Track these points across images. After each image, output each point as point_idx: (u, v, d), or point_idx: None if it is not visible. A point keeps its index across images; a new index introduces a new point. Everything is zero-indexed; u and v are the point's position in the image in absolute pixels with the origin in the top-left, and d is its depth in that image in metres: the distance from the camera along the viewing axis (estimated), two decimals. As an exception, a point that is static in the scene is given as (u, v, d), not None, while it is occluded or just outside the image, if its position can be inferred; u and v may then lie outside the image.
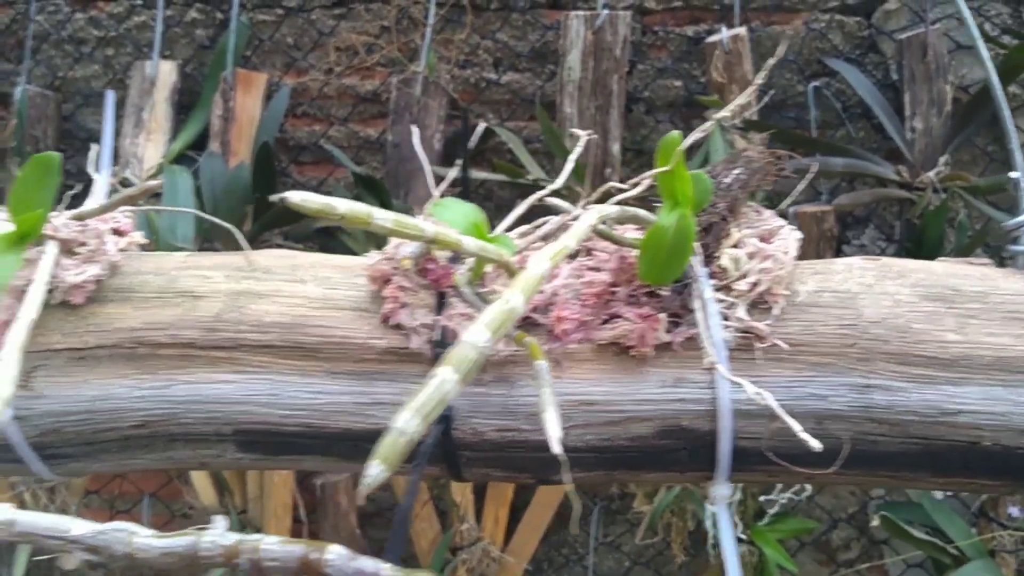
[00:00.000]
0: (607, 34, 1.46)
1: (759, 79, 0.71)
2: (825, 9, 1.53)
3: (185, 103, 1.59)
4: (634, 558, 1.63)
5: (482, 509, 1.60)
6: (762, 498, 1.49)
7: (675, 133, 0.46)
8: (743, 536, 1.50)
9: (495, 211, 1.57)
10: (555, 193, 0.55)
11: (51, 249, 0.49)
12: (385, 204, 1.48)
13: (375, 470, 0.33)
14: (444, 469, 0.52)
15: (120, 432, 0.51)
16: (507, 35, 1.56)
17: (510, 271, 0.41)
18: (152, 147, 1.56)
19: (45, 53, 1.64)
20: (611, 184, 0.51)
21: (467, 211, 0.45)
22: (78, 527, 0.36)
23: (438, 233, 0.38)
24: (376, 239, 1.51)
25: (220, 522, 0.36)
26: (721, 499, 0.52)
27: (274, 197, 0.35)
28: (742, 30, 1.48)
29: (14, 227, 0.49)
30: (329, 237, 1.50)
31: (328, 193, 1.61)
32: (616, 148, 1.48)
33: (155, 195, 1.48)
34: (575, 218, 0.47)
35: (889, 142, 1.52)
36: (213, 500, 1.66)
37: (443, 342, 0.49)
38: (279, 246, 1.53)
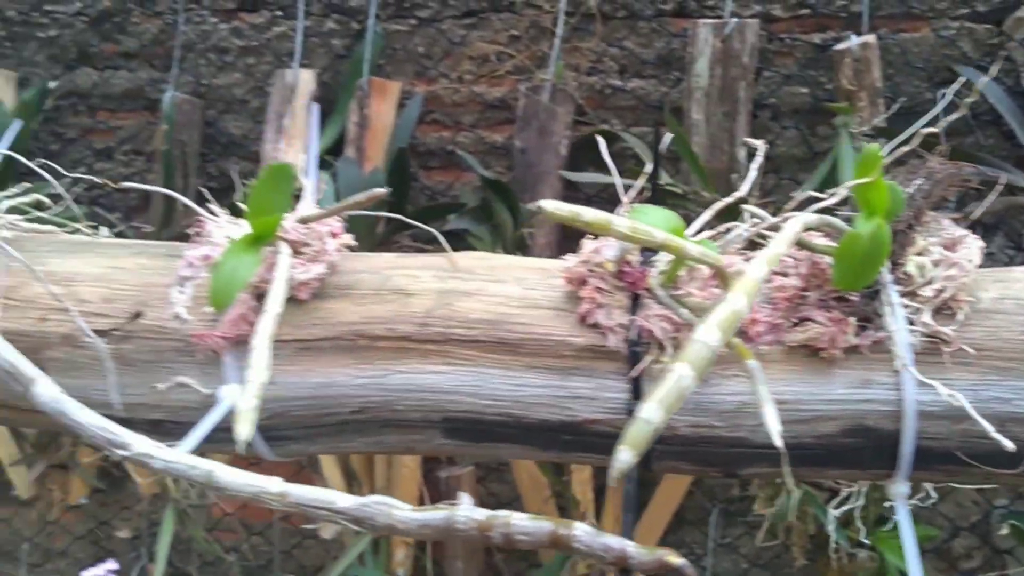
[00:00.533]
0: (735, 42, 1.48)
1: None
2: (954, 16, 1.52)
3: (321, 110, 1.66)
4: (752, 560, 1.64)
5: (602, 508, 1.63)
6: (886, 504, 1.49)
7: (875, 146, 0.48)
8: (865, 541, 1.50)
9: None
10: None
11: (285, 250, 0.54)
12: (513, 208, 1.53)
13: (625, 455, 0.36)
14: (633, 461, 0.55)
15: (339, 417, 0.56)
16: (633, 43, 1.58)
17: (723, 275, 0.44)
18: (292, 152, 1.63)
19: (191, 62, 1.74)
20: (808, 194, 0.54)
21: (666, 216, 0.49)
22: (342, 500, 0.41)
23: (666, 239, 0.41)
24: (503, 242, 1.56)
25: (465, 498, 0.40)
26: (900, 497, 0.54)
27: (531, 205, 0.39)
28: (871, 37, 1.48)
29: (250, 229, 0.54)
30: (458, 239, 1.55)
31: (455, 197, 1.67)
32: (742, 154, 1.49)
33: (296, 197, 1.55)
34: (771, 226, 0.50)
35: (1019, 149, 1.50)
36: (342, 489, 1.73)
37: (638, 341, 0.52)
38: (408, 247, 1.59)
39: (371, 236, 1.58)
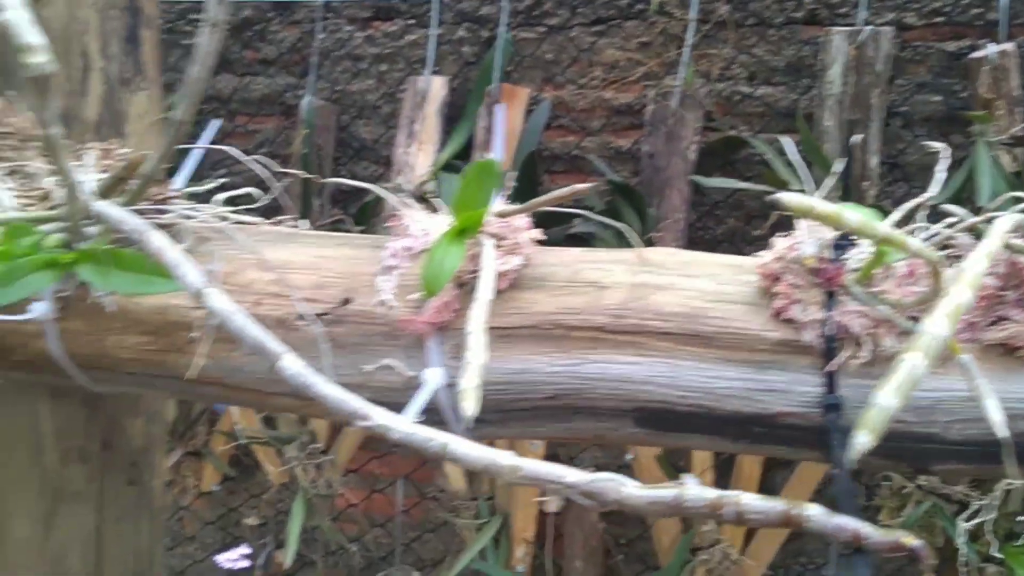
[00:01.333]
0: (869, 49, 1.47)
1: None
2: (1099, 21, 1.48)
3: (450, 115, 1.71)
4: (876, 571, 1.62)
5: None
6: (1020, 518, 1.46)
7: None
8: (996, 555, 1.47)
9: (746, 220, 1.60)
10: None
11: (488, 242, 0.58)
12: (640, 211, 1.55)
13: (863, 438, 0.38)
14: (822, 454, 0.56)
15: (532, 402, 0.59)
16: (763, 50, 1.59)
17: (937, 270, 0.45)
18: (422, 156, 1.68)
19: (326, 69, 1.80)
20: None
21: (869, 213, 0.50)
22: (572, 475, 0.43)
23: (888, 234, 0.43)
24: (618, 242, 1.57)
25: (690, 479, 0.43)
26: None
27: (770, 198, 0.41)
28: (1010, 45, 1.46)
29: (454, 223, 0.58)
30: (582, 243, 1.57)
31: (581, 201, 1.69)
32: (874, 162, 1.48)
33: (427, 200, 1.60)
34: (969, 226, 0.51)
35: None
36: (462, 485, 1.77)
37: (834, 336, 0.54)
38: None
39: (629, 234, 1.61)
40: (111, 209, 0.57)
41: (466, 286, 0.59)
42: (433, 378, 0.58)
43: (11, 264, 0.58)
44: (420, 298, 0.59)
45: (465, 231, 0.58)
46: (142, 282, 0.60)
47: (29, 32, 0.47)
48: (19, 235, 0.58)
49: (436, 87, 1.69)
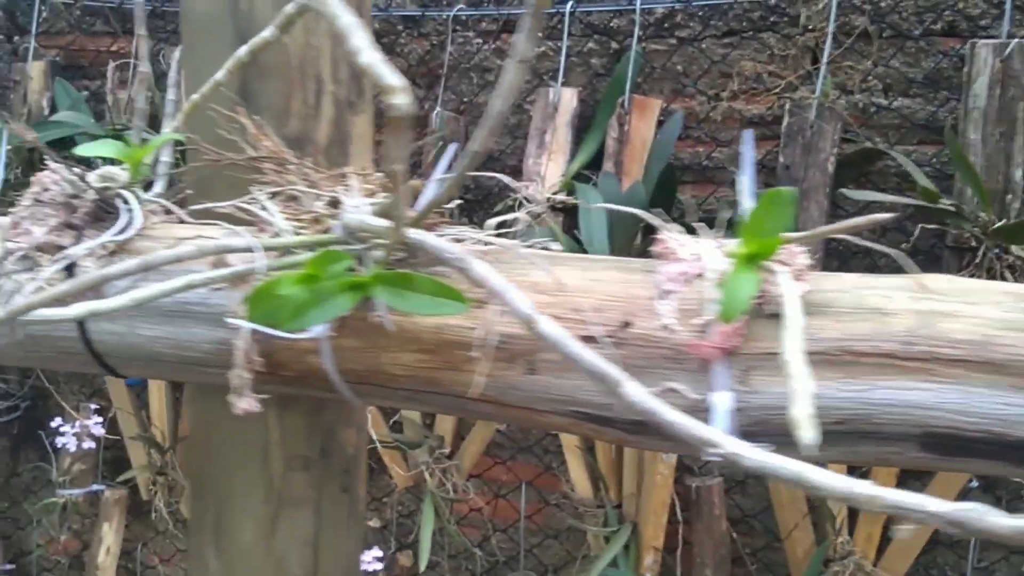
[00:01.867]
0: (1015, 62, 1.46)
1: None
2: None
3: (578, 126, 1.73)
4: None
5: (855, 524, 1.63)
6: None
7: None
8: None
9: (881, 232, 1.60)
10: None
11: (781, 268, 0.60)
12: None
13: None
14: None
15: (823, 427, 0.61)
16: (900, 61, 1.59)
17: None
18: (553, 166, 1.70)
19: (453, 81, 1.83)
20: None
21: None
22: (934, 504, 0.45)
23: None
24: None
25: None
26: None
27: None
28: None
29: (745, 249, 0.60)
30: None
31: (709, 211, 1.70)
32: (1019, 175, 1.48)
33: (559, 209, 1.62)
34: None
35: None
36: (588, 493, 1.79)
37: None
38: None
39: (630, 247, 1.63)
40: (427, 237, 0.59)
41: (751, 312, 0.61)
42: (722, 402, 0.60)
43: (318, 288, 0.62)
44: (706, 323, 0.61)
45: (758, 257, 0.60)
46: (435, 304, 0.63)
47: (389, 74, 0.49)
48: (330, 261, 0.61)
49: (567, 98, 1.71)
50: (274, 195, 0.75)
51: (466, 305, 0.62)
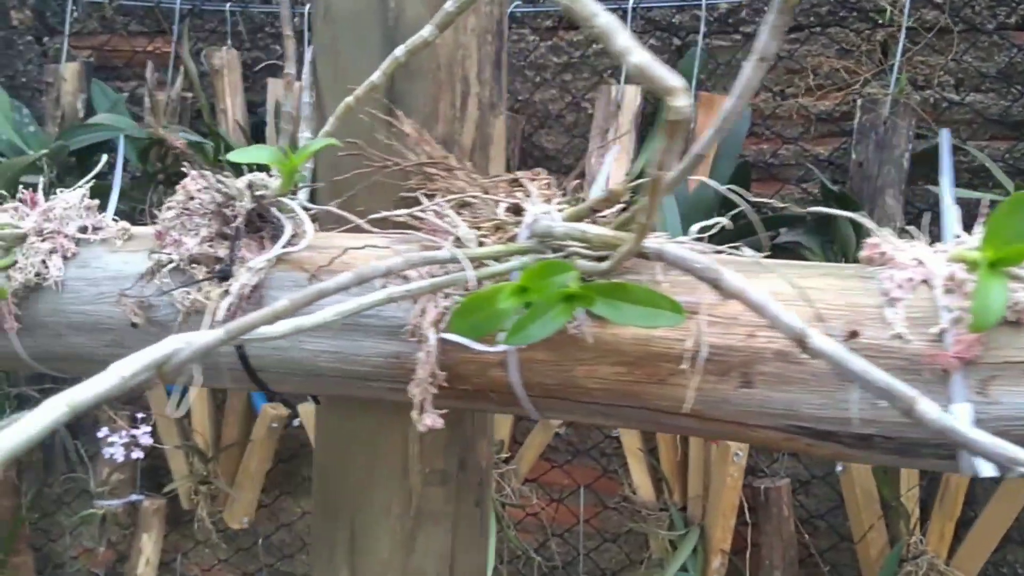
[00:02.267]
0: (1094, 54, 1.45)
1: None
2: None
3: (639, 123, 1.70)
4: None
5: (927, 523, 1.62)
6: None
7: None
8: None
9: (952, 229, 1.58)
10: None
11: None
12: (856, 222, 1.53)
13: None
14: None
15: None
16: (972, 56, 1.57)
17: None
18: (616, 166, 1.68)
19: (507, 79, 1.80)
20: None
21: None
22: None
23: None
24: (844, 256, 1.56)
25: None
26: None
27: None
28: None
29: (987, 255, 0.57)
30: (788, 253, 1.56)
31: (776, 209, 1.67)
32: (1099, 168, 1.46)
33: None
34: None
35: None
36: (651, 496, 1.76)
37: None
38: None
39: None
40: (668, 246, 0.56)
41: (987, 318, 0.59)
42: (964, 414, 0.57)
43: (539, 301, 0.58)
44: (940, 331, 0.58)
45: (999, 263, 0.57)
46: (651, 315, 0.60)
47: (667, 75, 0.46)
48: (551, 272, 0.58)
49: (631, 96, 1.69)
50: (447, 202, 0.72)
51: (683, 316, 0.59)
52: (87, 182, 0.83)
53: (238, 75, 1.89)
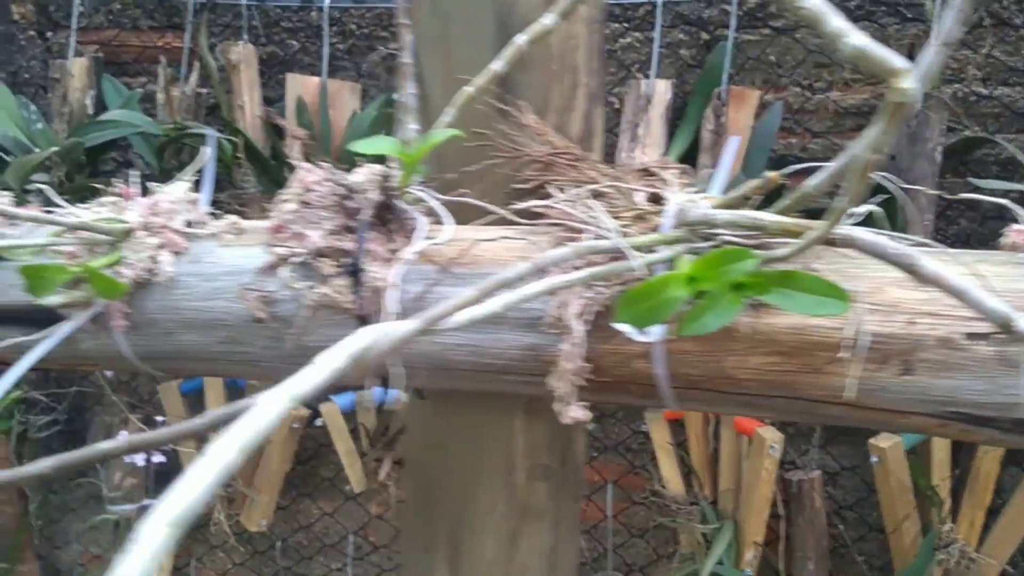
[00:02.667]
0: (1123, 47, 1.48)
1: None
2: None
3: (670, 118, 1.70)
4: None
5: (958, 511, 1.64)
6: None
7: None
8: None
9: (980, 221, 1.61)
10: None
11: None
12: (892, 214, 1.55)
13: None
14: None
15: None
16: (1000, 51, 1.59)
17: None
18: (646, 159, 1.67)
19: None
20: None
21: None
22: None
23: None
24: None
25: None
26: None
27: None
28: None
29: None
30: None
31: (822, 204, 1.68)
32: None
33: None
34: None
35: None
36: (680, 490, 1.76)
37: None
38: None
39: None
40: (859, 232, 0.56)
41: None
42: None
43: (714, 290, 0.58)
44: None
45: None
46: (819, 304, 0.59)
47: (891, 57, 0.46)
48: (731, 260, 0.57)
49: (661, 90, 1.68)
50: (576, 192, 0.71)
51: (848, 304, 0.59)
52: (190, 175, 0.80)
53: (255, 70, 1.86)
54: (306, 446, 1.99)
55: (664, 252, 0.63)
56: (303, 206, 0.73)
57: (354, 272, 0.70)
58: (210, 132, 1.03)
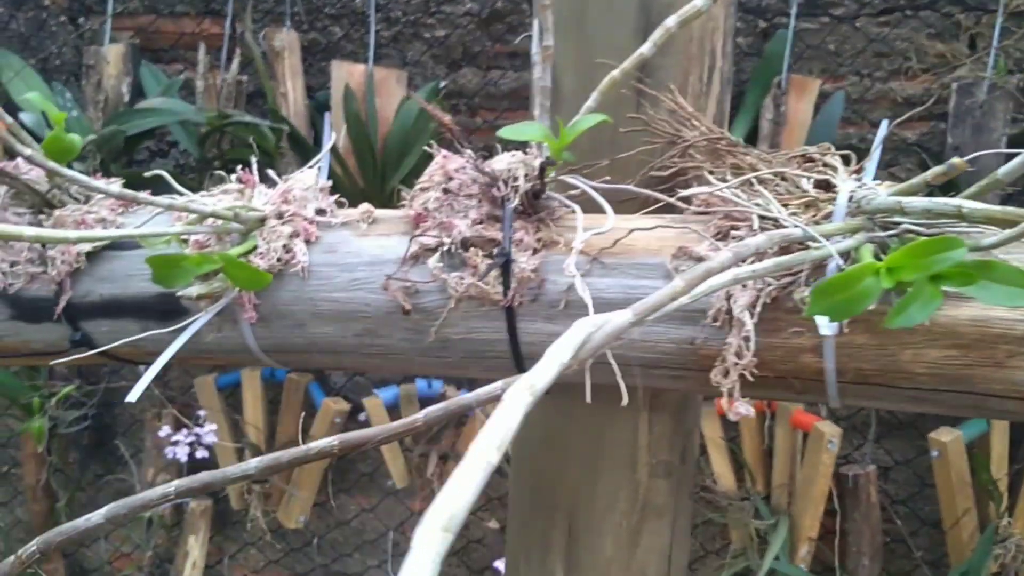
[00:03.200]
0: None
1: None
2: None
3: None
4: None
5: (1015, 506, 1.63)
6: None
7: None
8: None
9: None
10: None
11: None
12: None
13: None
14: None
15: None
16: (1062, 40, 1.58)
17: None
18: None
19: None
20: None
21: None
22: None
23: None
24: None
25: None
26: None
27: None
28: None
29: None
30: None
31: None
32: None
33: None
34: None
35: None
36: (732, 485, 1.75)
37: None
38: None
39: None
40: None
41: None
42: None
43: (920, 280, 0.55)
44: None
45: None
46: (1015, 295, 0.57)
47: None
48: (938, 249, 0.54)
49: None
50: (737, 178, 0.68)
51: (1043, 297, 0.56)
52: (315, 164, 0.77)
53: (298, 57, 1.82)
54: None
55: (847, 241, 0.61)
56: (445, 194, 0.70)
57: (505, 263, 0.67)
58: (328, 127, 0.99)
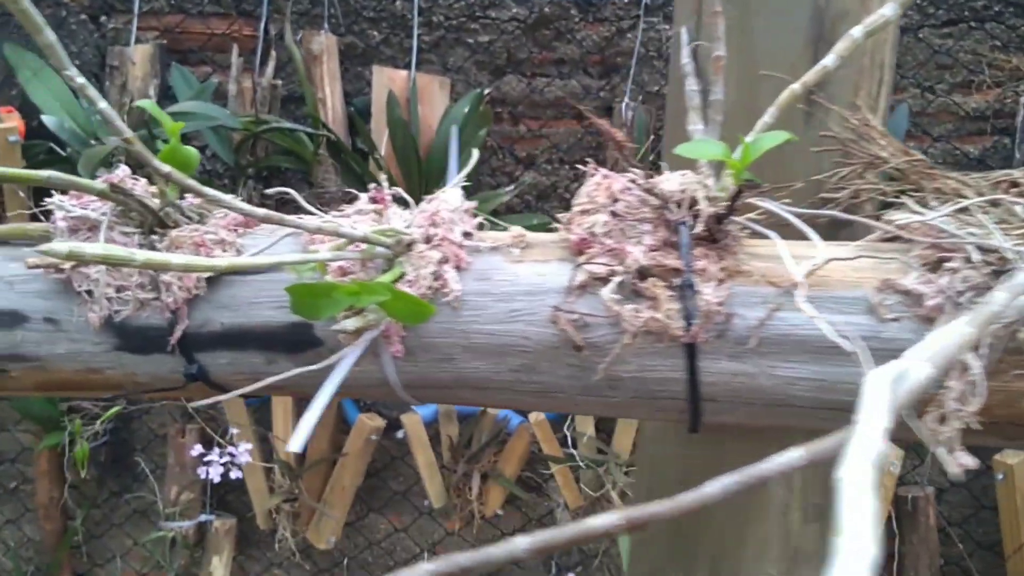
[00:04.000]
0: None
1: None
2: None
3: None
4: None
5: (1080, 530, 1.59)
6: None
7: None
8: None
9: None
10: None
11: None
12: None
13: None
14: None
15: None
16: None
17: None
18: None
19: (634, 70, 1.71)
20: None
21: None
22: None
23: None
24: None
25: None
26: None
27: None
28: None
29: None
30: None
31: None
32: None
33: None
34: None
35: None
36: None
37: None
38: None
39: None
40: None
41: None
42: None
43: None
44: None
45: None
46: None
47: None
48: None
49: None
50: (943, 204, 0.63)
51: None
52: (457, 183, 0.71)
53: (336, 62, 1.75)
54: (375, 458, 1.89)
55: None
56: (613, 217, 0.64)
57: (687, 295, 0.61)
58: (456, 140, 0.92)
